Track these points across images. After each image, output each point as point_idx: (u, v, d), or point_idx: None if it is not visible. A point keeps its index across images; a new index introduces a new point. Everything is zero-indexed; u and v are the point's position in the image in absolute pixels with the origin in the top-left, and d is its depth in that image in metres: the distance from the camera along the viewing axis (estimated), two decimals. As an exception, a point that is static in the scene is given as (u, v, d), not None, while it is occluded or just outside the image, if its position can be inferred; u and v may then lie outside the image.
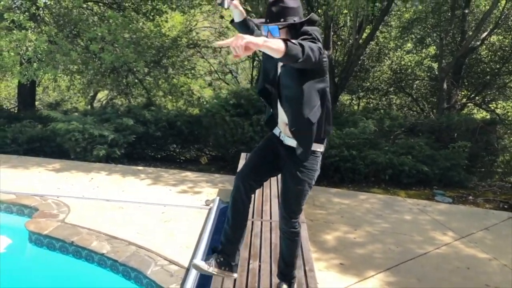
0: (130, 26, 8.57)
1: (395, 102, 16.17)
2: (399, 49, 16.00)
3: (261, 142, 3.04)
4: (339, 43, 13.41)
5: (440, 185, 7.98)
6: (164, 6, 11.75)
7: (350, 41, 12.34)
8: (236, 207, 2.88)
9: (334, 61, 12.77)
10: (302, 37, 2.47)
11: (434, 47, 14.97)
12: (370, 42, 13.30)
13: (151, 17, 11.71)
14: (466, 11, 13.21)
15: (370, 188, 7.67)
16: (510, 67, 14.53)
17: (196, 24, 16.12)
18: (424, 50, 15.55)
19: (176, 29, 14.81)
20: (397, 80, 15.59)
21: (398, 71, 15.63)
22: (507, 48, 14.15)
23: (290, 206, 2.89)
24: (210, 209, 5.81)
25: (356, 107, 15.52)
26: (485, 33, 13.21)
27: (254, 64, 15.46)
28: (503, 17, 13.05)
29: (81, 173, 7.39)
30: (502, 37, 14.26)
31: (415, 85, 16.09)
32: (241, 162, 6.66)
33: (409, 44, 15.93)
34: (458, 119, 9.71)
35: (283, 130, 2.84)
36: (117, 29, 8.21)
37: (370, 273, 4.39)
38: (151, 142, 8.90)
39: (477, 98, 14.59)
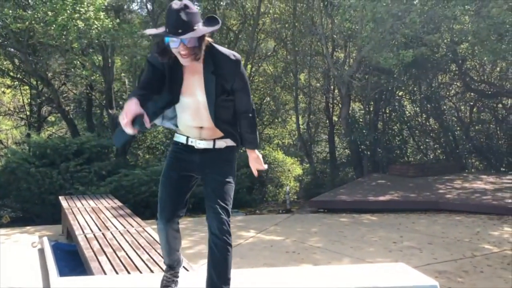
0: None
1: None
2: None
3: (166, 168, 2.67)
4: (121, 102, 14.37)
5: (233, 205, 9.57)
6: None
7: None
8: (170, 244, 2.74)
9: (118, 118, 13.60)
10: (242, 78, 2.52)
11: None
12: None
13: None
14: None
15: (178, 217, 8.70)
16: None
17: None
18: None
19: None
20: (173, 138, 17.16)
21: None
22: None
23: (224, 202, 2.58)
24: (41, 249, 5.92)
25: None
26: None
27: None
28: (250, 79, 16.17)
29: None
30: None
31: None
32: (64, 204, 6.87)
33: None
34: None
35: (195, 134, 2.60)
36: None
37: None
38: None
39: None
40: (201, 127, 2.56)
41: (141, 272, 3.74)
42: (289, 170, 18.44)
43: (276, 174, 17.20)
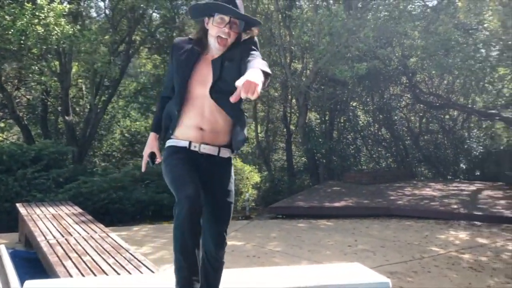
0: None
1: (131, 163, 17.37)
2: (127, 118, 17.56)
3: (173, 160, 2.33)
4: (77, 108, 14.15)
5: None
6: None
7: (88, 106, 13.28)
8: (193, 246, 2.17)
9: (74, 125, 13.37)
10: (252, 50, 2.31)
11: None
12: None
13: None
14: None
15: (138, 225, 8.70)
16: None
17: None
18: (152, 116, 17.53)
19: None
20: (131, 145, 17.02)
21: (130, 138, 17.09)
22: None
23: (225, 224, 2.47)
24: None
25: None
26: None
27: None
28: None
29: None
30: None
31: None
32: (22, 211, 6.74)
33: (134, 112, 17.74)
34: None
35: (197, 137, 2.34)
36: None
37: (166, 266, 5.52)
38: None
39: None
40: (201, 129, 2.33)
41: (107, 275, 3.81)
42: (247, 178, 18.69)
43: (235, 182, 17.36)
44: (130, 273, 3.81)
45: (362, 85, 14.76)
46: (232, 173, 2.49)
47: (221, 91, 2.28)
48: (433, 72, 13.93)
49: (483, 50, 13.00)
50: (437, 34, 10.52)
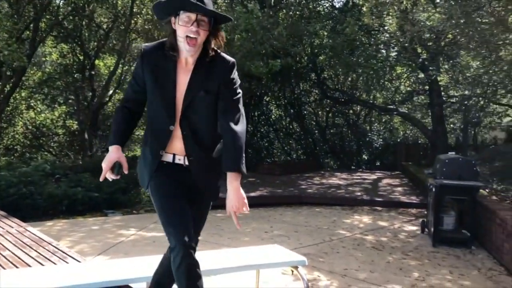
0: None
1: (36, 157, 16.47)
2: (31, 110, 16.60)
3: (162, 186, 2.29)
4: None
5: (109, 206, 9.50)
6: None
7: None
8: (196, 275, 2.25)
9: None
10: (229, 82, 2.37)
11: (66, 106, 16.33)
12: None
13: None
14: (93, 72, 15.46)
15: (52, 220, 8.41)
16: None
17: None
18: (59, 108, 16.74)
19: None
20: (35, 139, 16.15)
21: (35, 131, 16.21)
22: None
23: (198, 235, 2.53)
24: None
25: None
26: (111, 91, 15.79)
27: None
28: (122, 78, 15.95)
29: None
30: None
31: (53, 142, 17.04)
32: None
33: (40, 105, 16.81)
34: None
35: (180, 149, 2.29)
36: None
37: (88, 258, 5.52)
38: None
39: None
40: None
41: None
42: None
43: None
44: (55, 264, 3.82)
45: (275, 81, 15.35)
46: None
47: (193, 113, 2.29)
48: (339, 70, 14.90)
49: (383, 51, 14.19)
50: (343, 35, 11.30)
